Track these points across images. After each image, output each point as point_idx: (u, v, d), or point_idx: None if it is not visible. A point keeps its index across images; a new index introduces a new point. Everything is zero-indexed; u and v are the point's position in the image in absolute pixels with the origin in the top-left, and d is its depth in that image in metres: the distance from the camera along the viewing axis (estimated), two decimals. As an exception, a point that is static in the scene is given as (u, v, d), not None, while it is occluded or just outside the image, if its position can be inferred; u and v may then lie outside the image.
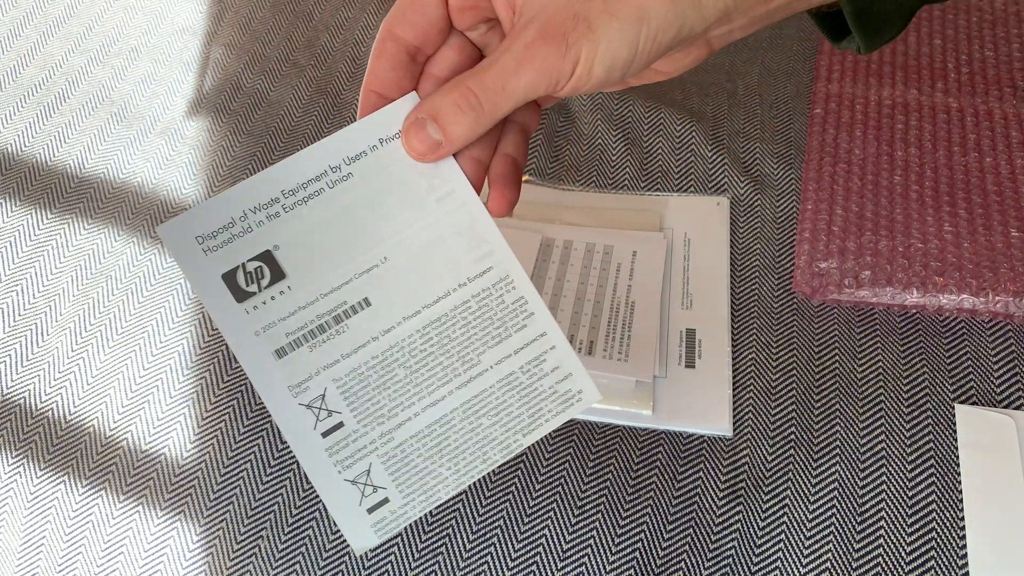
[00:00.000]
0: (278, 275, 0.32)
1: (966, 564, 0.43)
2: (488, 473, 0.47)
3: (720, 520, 0.46)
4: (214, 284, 0.31)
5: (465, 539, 0.45)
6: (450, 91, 0.31)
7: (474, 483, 0.47)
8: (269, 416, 0.50)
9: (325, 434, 0.32)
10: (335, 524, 0.46)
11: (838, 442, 0.48)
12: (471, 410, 0.33)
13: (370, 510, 0.32)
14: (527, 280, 0.34)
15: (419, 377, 0.33)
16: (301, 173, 0.32)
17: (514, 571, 0.44)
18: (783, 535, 0.45)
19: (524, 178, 0.61)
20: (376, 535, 0.32)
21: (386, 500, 0.32)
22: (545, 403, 0.33)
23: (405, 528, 0.45)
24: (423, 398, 0.33)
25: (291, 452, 0.48)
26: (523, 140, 0.35)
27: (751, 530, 0.45)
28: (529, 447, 0.48)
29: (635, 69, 0.31)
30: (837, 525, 0.45)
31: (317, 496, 0.47)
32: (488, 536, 0.45)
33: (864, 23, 0.32)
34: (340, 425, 0.32)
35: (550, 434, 0.49)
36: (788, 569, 0.44)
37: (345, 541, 0.45)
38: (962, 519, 0.45)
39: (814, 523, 0.45)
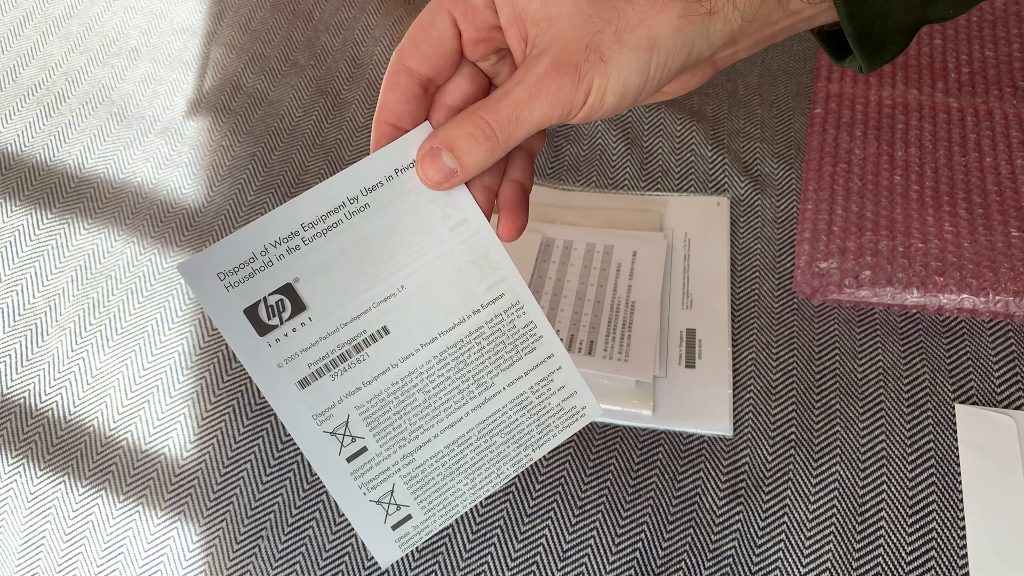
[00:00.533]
0: (299, 307, 0.33)
1: (966, 564, 0.43)
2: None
3: (720, 520, 0.46)
4: (236, 319, 0.32)
5: (465, 539, 0.45)
6: (464, 122, 0.31)
7: (474, 483, 0.47)
8: (269, 416, 0.50)
9: (350, 459, 0.33)
10: (345, 531, 0.46)
11: (838, 442, 0.48)
12: (486, 430, 0.35)
13: (394, 527, 0.34)
14: (536, 305, 0.35)
15: (437, 401, 0.34)
16: (321, 205, 0.33)
17: (514, 571, 0.44)
18: (783, 535, 0.45)
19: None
20: (400, 549, 0.34)
21: (409, 517, 0.34)
22: (553, 420, 0.35)
23: (405, 528, 0.45)
24: (441, 420, 0.34)
25: (292, 453, 0.48)
26: (529, 165, 0.36)
27: (751, 530, 0.45)
28: (534, 462, 0.48)
29: (645, 95, 0.32)
30: (837, 525, 0.45)
31: (317, 496, 0.47)
32: (488, 536, 0.45)
33: (865, 43, 0.33)
34: (364, 450, 0.33)
35: (550, 434, 0.49)
36: (788, 569, 0.44)
37: (345, 541, 0.45)
38: (962, 519, 0.45)
39: (814, 523, 0.45)
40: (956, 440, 0.48)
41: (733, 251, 0.57)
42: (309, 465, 0.48)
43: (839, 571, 0.44)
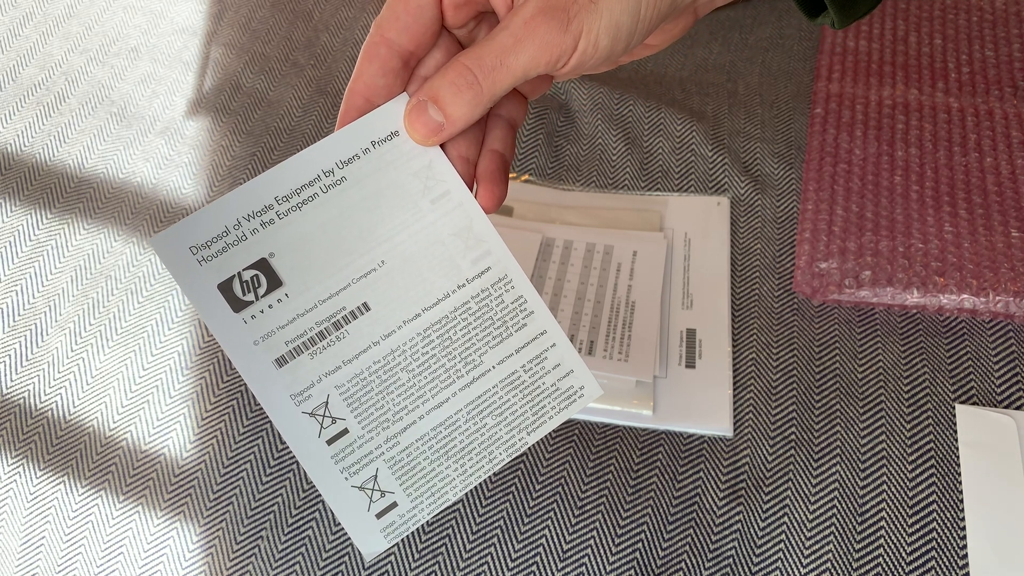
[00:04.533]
0: (275, 283, 0.32)
1: (966, 564, 0.43)
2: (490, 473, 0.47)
3: (720, 520, 0.46)
4: (210, 295, 0.31)
5: (465, 539, 0.45)
6: (447, 71, 0.31)
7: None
8: (269, 417, 0.50)
9: (330, 441, 0.32)
10: (344, 531, 0.46)
11: (838, 442, 0.48)
12: (475, 411, 0.33)
13: (379, 515, 0.32)
14: (525, 279, 0.34)
15: (422, 380, 0.32)
16: (294, 178, 0.32)
17: (514, 571, 0.44)
18: (783, 535, 0.45)
19: (524, 178, 0.61)
20: (386, 539, 0.32)
21: (394, 504, 0.32)
22: (548, 400, 0.33)
23: (405, 528, 0.45)
24: (427, 401, 0.32)
25: (291, 453, 0.48)
26: (510, 135, 0.35)
27: (751, 530, 0.45)
28: (529, 446, 0.48)
29: (637, 39, 0.31)
30: (837, 525, 0.45)
31: (317, 496, 0.47)
32: (488, 536, 0.45)
33: None
34: (345, 432, 0.32)
35: (550, 434, 0.49)
36: (788, 569, 0.44)
37: (345, 541, 0.45)
38: (962, 519, 0.45)
39: (814, 523, 0.45)
40: (956, 440, 0.48)
41: (733, 251, 0.57)
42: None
43: (839, 571, 0.44)
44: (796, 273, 0.55)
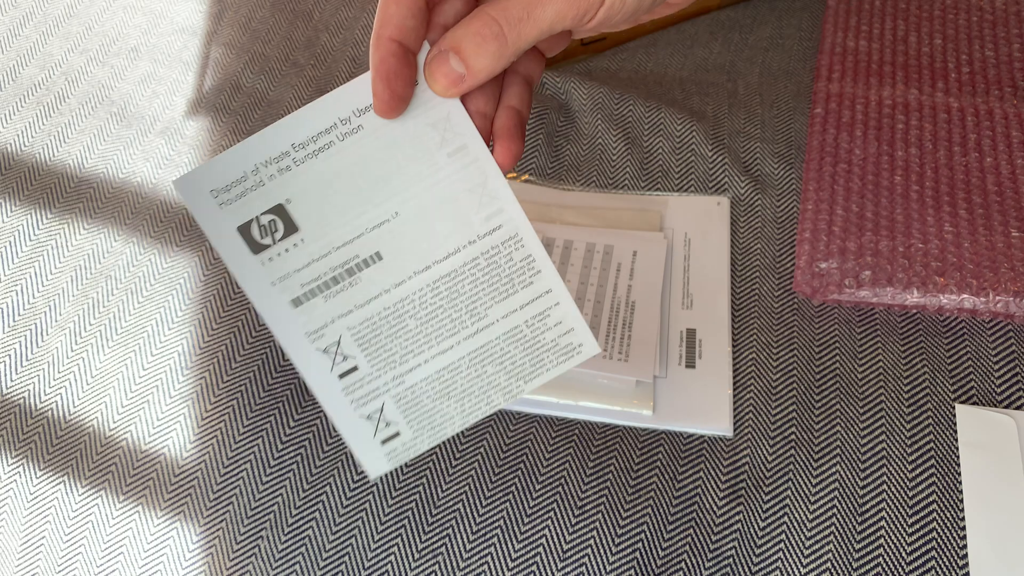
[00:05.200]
0: (291, 228, 0.33)
1: (966, 564, 0.43)
2: (488, 472, 0.47)
3: (720, 520, 0.46)
4: (230, 236, 0.32)
5: (465, 539, 0.45)
6: (471, 21, 0.30)
7: (474, 483, 0.47)
8: (269, 416, 0.50)
9: (341, 376, 0.34)
10: (344, 530, 0.46)
11: (838, 442, 0.48)
12: (477, 359, 0.34)
13: (383, 442, 0.35)
14: (535, 238, 0.34)
15: (429, 328, 0.34)
16: (311, 126, 0.32)
17: (514, 571, 0.44)
18: (783, 535, 0.45)
19: (524, 178, 0.61)
20: (388, 462, 0.35)
21: (397, 434, 0.35)
22: (547, 355, 0.35)
23: (405, 528, 0.45)
24: (432, 347, 0.34)
25: (291, 453, 0.48)
26: (527, 92, 0.34)
27: (751, 530, 0.45)
28: (529, 447, 0.48)
29: (659, 2, 0.31)
30: (837, 525, 0.45)
31: (317, 496, 0.47)
32: (488, 536, 0.45)
33: None
34: (355, 369, 0.34)
35: (550, 434, 0.49)
36: (788, 569, 0.44)
37: (345, 541, 0.45)
38: (962, 519, 0.45)
39: (814, 523, 0.45)
40: (956, 440, 0.48)
41: (733, 251, 0.57)
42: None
43: (839, 571, 0.44)
44: (796, 273, 0.55)
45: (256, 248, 0.32)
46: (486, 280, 0.34)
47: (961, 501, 0.45)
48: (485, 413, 0.35)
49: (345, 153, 0.32)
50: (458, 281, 0.34)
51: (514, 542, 0.45)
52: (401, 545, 0.45)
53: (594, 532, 0.45)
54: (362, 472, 0.47)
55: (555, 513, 0.46)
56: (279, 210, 0.32)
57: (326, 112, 0.32)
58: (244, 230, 0.32)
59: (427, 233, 0.33)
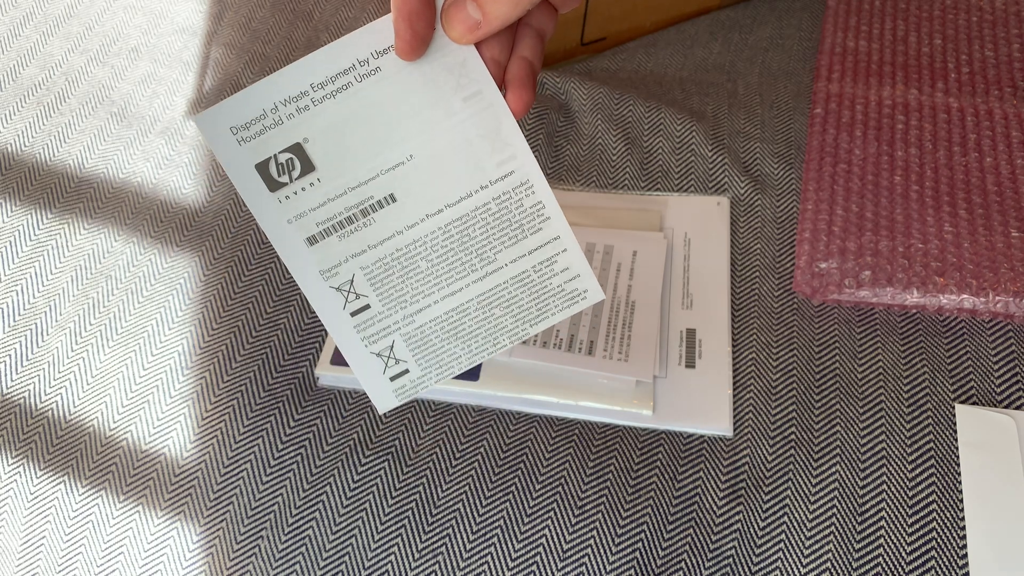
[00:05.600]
0: (308, 167, 0.33)
1: (966, 564, 0.43)
2: (488, 472, 0.47)
3: (720, 520, 0.46)
4: (248, 173, 0.33)
5: (465, 539, 0.45)
6: None
7: (474, 483, 0.47)
8: (269, 416, 0.50)
9: (354, 314, 0.35)
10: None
11: (838, 442, 0.48)
12: (485, 301, 0.35)
13: (392, 378, 0.36)
14: (546, 185, 0.35)
15: (439, 270, 0.35)
16: (329, 66, 0.32)
17: (514, 571, 0.44)
18: (783, 535, 0.45)
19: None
20: (396, 398, 0.36)
21: (406, 371, 0.36)
22: (553, 300, 0.36)
23: (405, 528, 0.45)
24: (442, 288, 0.35)
25: (291, 453, 0.48)
26: (539, 44, 0.35)
27: (751, 530, 0.45)
28: (529, 446, 0.48)
29: None
30: (837, 525, 0.45)
31: (317, 496, 0.47)
32: (488, 536, 0.45)
33: None
34: (367, 307, 0.35)
35: (550, 434, 0.49)
36: (788, 569, 0.44)
37: (345, 541, 0.45)
38: (962, 519, 0.45)
39: (814, 523, 0.45)
40: (956, 440, 0.48)
41: (733, 251, 0.57)
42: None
43: (839, 571, 0.44)
44: (796, 273, 0.55)
45: (273, 186, 0.33)
46: (497, 225, 0.35)
47: (961, 501, 0.45)
48: (491, 354, 0.36)
49: (363, 95, 0.33)
50: (469, 225, 0.34)
51: (514, 542, 0.45)
52: (401, 545, 0.45)
53: (594, 532, 0.45)
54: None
55: (555, 513, 0.46)
56: (296, 149, 0.33)
57: (345, 53, 0.32)
58: (262, 167, 0.33)
59: (441, 177, 0.34)
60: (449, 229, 0.34)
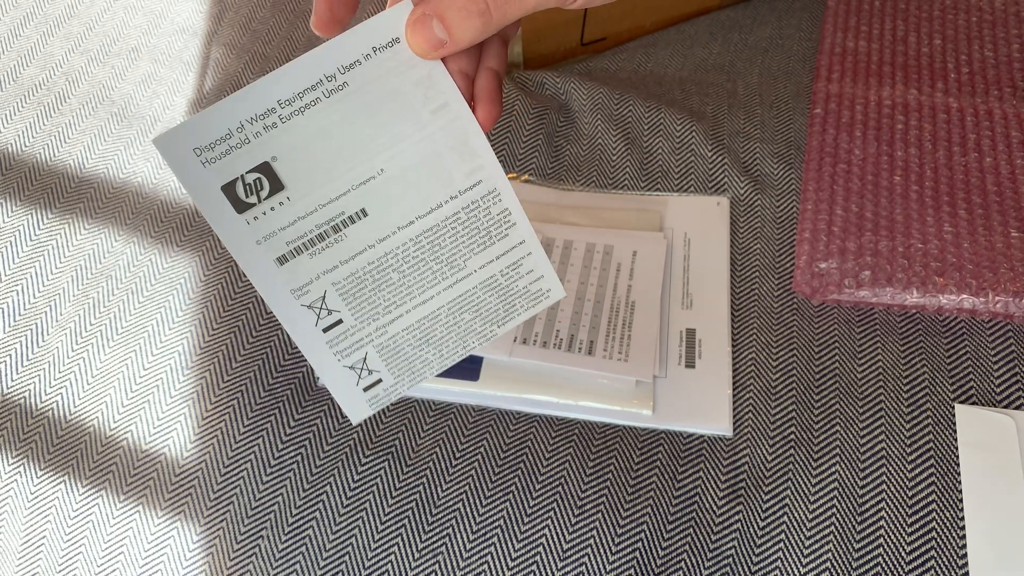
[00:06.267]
0: (277, 186, 0.32)
1: (966, 564, 0.43)
2: (488, 472, 0.47)
3: (720, 520, 0.46)
4: (214, 196, 0.32)
5: (465, 539, 0.45)
6: None
7: (474, 483, 0.47)
8: (269, 416, 0.50)
9: (326, 330, 0.34)
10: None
11: (838, 442, 0.48)
12: (456, 307, 0.36)
13: (365, 389, 0.36)
14: (512, 192, 0.35)
15: (411, 280, 0.35)
16: (296, 83, 0.32)
17: (514, 571, 0.44)
18: (783, 535, 0.45)
19: (524, 178, 0.61)
20: (370, 407, 0.36)
21: (379, 380, 0.36)
22: (519, 300, 0.37)
23: (405, 528, 0.45)
24: (414, 298, 0.35)
25: (291, 453, 0.48)
26: (503, 51, 0.35)
27: (751, 530, 0.45)
28: (529, 446, 0.48)
29: None
30: (837, 525, 0.45)
31: (317, 496, 0.47)
32: (488, 536, 0.45)
33: None
34: (339, 322, 0.35)
35: (550, 434, 0.49)
36: (788, 569, 0.44)
37: (345, 541, 0.45)
38: (962, 519, 0.45)
39: (814, 523, 0.45)
40: (956, 440, 0.48)
41: (733, 251, 0.57)
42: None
43: (839, 571, 0.44)
44: (796, 273, 0.55)
45: (241, 207, 0.32)
46: (465, 233, 0.35)
47: (961, 501, 0.45)
48: (461, 356, 0.36)
49: (331, 110, 0.32)
50: (439, 235, 0.35)
51: (514, 542, 0.45)
52: (401, 545, 0.45)
53: (594, 532, 0.45)
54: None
55: (555, 513, 0.46)
56: (265, 168, 0.32)
57: (311, 69, 0.32)
58: (228, 189, 0.32)
59: (411, 189, 0.34)
60: (420, 240, 0.34)
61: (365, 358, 0.35)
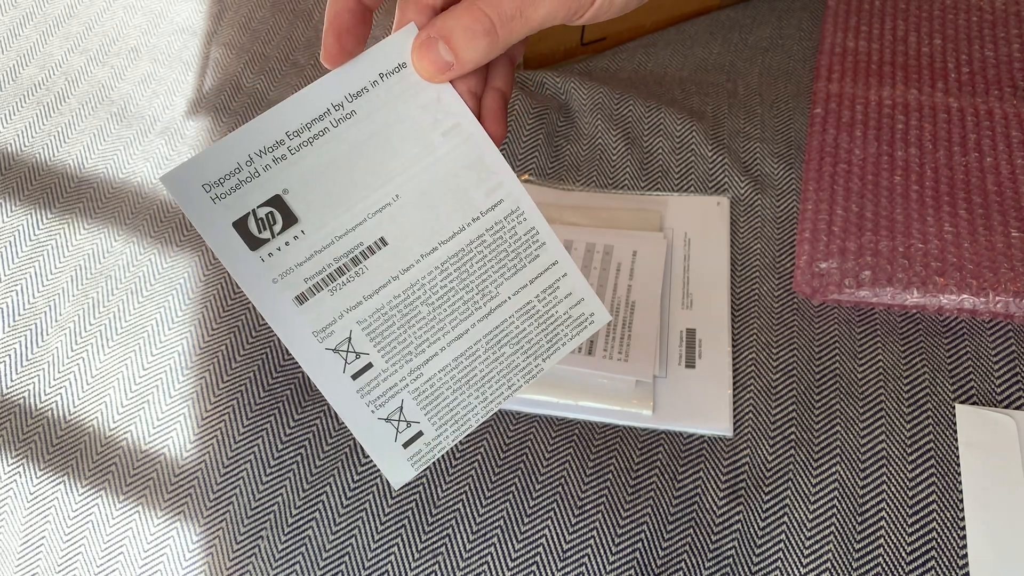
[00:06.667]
0: (290, 220, 0.31)
1: (966, 564, 0.43)
2: (488, 472, 0.47)
3: (720, 520, 0.46)
4: (225, 233, 0.31)
5: (465, 539, 0.45)
6: (463, 14, 0.30)
7: (474, 483, 0.47)
8: (269, 416, 0.50)
9: (355, 376, 0.32)
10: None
11: (838, 442, 0.48)
12: (494, 340, 0.34)
13: (405, 444, 0.33)
14: (536, 210, 0.34)
15: (442, 313, 0.33)
16: (304, 113, 0.31)
17: (514, 571, 0.44)
18: (783, 535, 0.45)
19: (524, 178, 0.61)
20: (413, 468, 0.33)
21: (420, 433, 0.33)
22: (561, 328, 0.35)
23: (405, 528, 0.45)
24: (447, 333, 0.33)
25: (291, 453, 0.48)
26: (510, 71, 0.35)
27: (751, 530, 0.45)
28: (529, 446, 0.48)
29: None
30: (837, 525, 0.45)
31: (317, 496, 0.47)
32: (488, 536, 0.45)
33: None
34: (369, 366, 0.32)
35: (550, 434, 0.49)
36: (788, 569, 0.44)
37: (345, 541, 0.45)
38: (962, 519, 0.45)
39: (814, 523, 0.45)
40: (956, 440, 0.48)
41: (733, 251, 0.57)
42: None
43: (839, 571, 0.44)
44: (796, 273, 0.55)
45: (254, 244, 0.31)
46: (493, 257, 0.34)
47: (961, 501, 0.45)
48: (507, 398, 0.34)
49: (340, 139, 0.32)
50: (466, 260, 0.33)
51: (514, 542, 0.45)
52: (401, 545, 0.45)
53: (594, 532, 0.45)
54: (370, 471, 0.47)
55: (555, 513, 0.46)
56: (276, 201, 0.31)
57: (318, 98, 0.32)
58: (240, 225, 0.31)
59: (430, 214, 0.33)
60: (446, 267, 0.33)
61: (401, 407, 0.33)
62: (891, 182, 0.58)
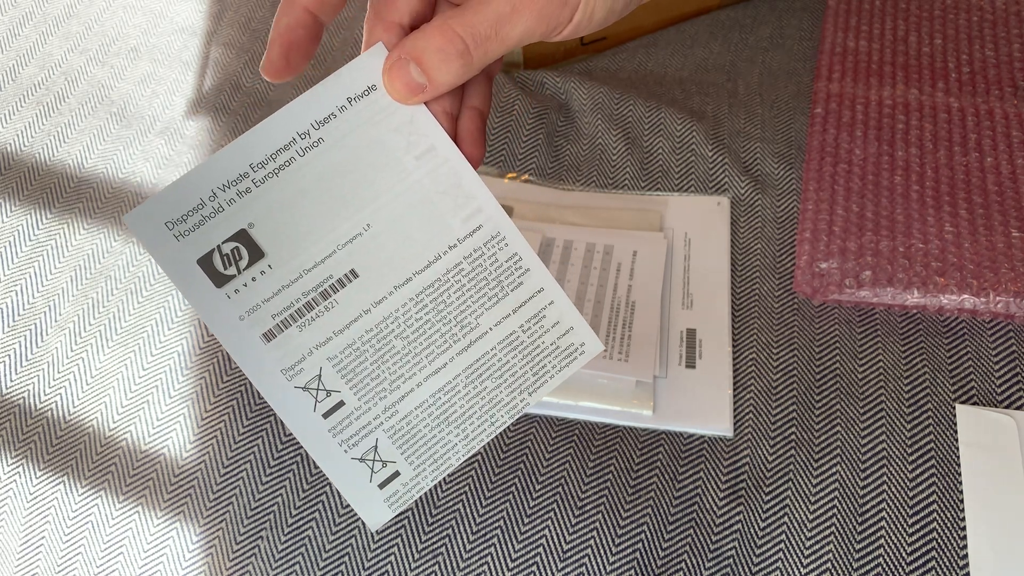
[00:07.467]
0: (256, 254, 0.30)
1: (967, 564, 0.43)
2: (488, 473, 0.47)
3: (720, 520, 0.46)
4: (190, 271, 0.30)
5: (465, 539, 0.45)
6: (434, 35, 0.29)
7: (474, 483, 0.47)
8: (269, 416, 0.50)
9: (326, 415, 0.31)
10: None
11: (839, 442, 0.48)
12: (474, 374, 0.32)
13: (381, 485, 0.32)
14: (519, 235, 0.32)
15: (418, 347, 0.32)
16: (268, 144, 0.30)
17: (514, 571, 0.44)
18: (783, 535, 0.45)
19: (524, 178, 0.61)
20: (390, 509, 0.32)
21: (396, 474, 0.32)
22: (548, 360, 0.33)
23: (405, 528, 0.45)
24: (424, 368, 0.32)
25: (291, 453, 0.48)
26: (488, 88, 0.33)
27: (751, 530, 0.45)
28: (529, 447, 0.48)
29: (634, 4, 0.30)
30: (837, 525, 0.45)
31: (317, 496, 0.47)
32: (488, 536, 0.45)
33: None
34: (341, 404, 0.31)
35: (550, 434, 0.49)
36: (788, 569, 0.44)
37: (345, 541, 0.45)
38: (963, 519, 0.45)
39: (814, 523, 0.45)
40: (956, 440, 0.47)
41: (733, 251, 0.57)
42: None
43: (839, 571, 0.44)
44: (796, 273, 0.55)
45: (220, 280, 0.30)
46: (473, 286, 0.32)
47: (961, 501, 0.45)
48: (490, 436, 0.32)
49: (307, 168, 0.31)
50: (443, 291, 0.32)
51: (514, 542, 0.45)
52: (401, 545, 0.45)
53: (594, 532, 0.45)
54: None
55: (555, 513, 0.46)
56: (242, 236, 0.30)
57: (283, 127, 0.30)
58: (205, 262, 0.30)
59: (404, 243, 0.31)
60: (422, 299, 0.31)
61: (376, 446, 0.31)
62: (891, 182, 0.58)
